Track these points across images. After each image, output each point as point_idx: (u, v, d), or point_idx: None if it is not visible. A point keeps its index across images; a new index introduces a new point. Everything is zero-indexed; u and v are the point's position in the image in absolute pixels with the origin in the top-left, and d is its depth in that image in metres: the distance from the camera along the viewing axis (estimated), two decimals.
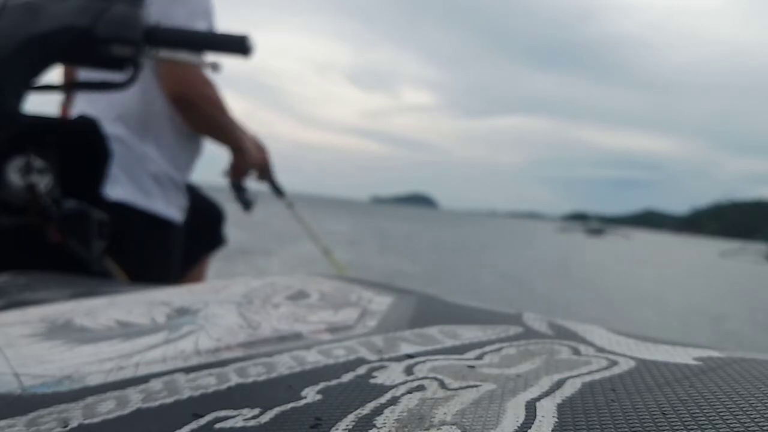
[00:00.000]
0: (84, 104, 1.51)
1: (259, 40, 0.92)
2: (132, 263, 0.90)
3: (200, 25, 1.43)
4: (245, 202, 1.83)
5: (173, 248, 1.59)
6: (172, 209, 1.55)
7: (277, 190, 2.03)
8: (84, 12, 0.73)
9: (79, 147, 0.79)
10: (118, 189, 1.43)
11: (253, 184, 1.90)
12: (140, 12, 0.76)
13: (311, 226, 2.30)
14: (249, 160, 1.71)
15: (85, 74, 1.31)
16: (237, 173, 1.76)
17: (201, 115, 1.53)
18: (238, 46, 0.90)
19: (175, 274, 1.60)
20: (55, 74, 0.84)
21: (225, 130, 1.61)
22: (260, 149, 1.79)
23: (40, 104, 0.81)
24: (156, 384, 0.25)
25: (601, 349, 0.26)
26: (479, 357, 0.26)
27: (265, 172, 1.89)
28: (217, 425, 0.21)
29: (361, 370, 0.25)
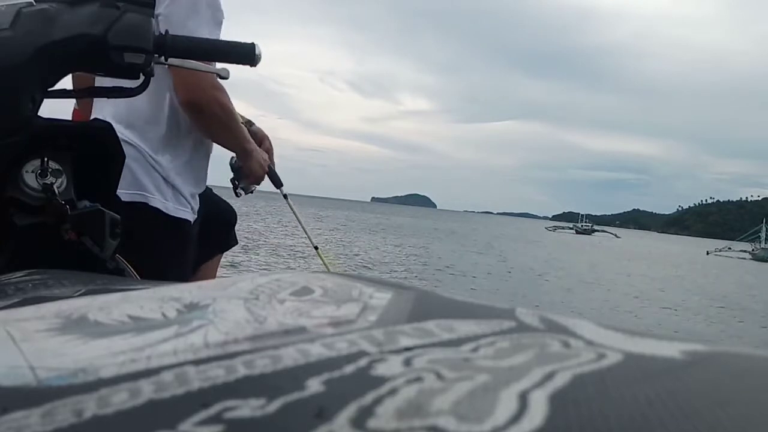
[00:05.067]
0: (97, 110, 1.53)
1: (265, 49, 0.93)
2: (144, 262, 0.92)
3: (212, 35, 1.45)
4: (245, 188, 1.87)
5: (185, 248, 1.60)
6: (184, 210, 1.57)
7: (275, 181, 2.05)
8: (97, 20, 0.74)
9: (94, 150, 0.81)
10: (131, 190, 1.44)
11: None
12: (151, 21, 0.77)
13: (302, 218, 2.34)
14: (255, 166, 1.73)
15: (99, 81, 1.33)
16: (244, 179, 1.79)
17: (213, 120, 1.55)
18: (246, 54, 0.92)
19: (187, 272, 1.61)
20: (68, 81, 0.86)
21: (235, 134, 1.64)
22: (266, 161, 1.81)
23: (55, 110, 0.82)
24: (167, 376, 0.25)
25: (590, 342, 0.27)
26: (474, 350, 0.26)
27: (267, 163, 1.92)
28: (225, 414, 0.22)
29: (362, 362, 0.25)
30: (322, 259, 2.43)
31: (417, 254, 19.84)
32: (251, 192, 1.90)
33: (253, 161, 1.73)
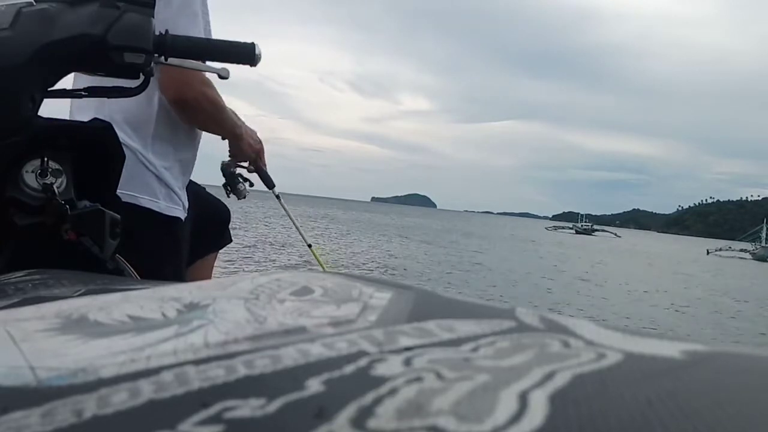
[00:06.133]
0: (80, 110, 1.51)
1: (265, 49, 0.93)
2: (141, 261, 0.92)
3: (200, 31, 1.45)
4: (237, 192, 1.91)
5: (179, 246, 1.60)
6: (176, 208, 1.57)
7: (267, 182, 2.07)
8: (97, 20, 0.74)
9: (94, 150, 0.81)
10: (122, 190, 1.43)
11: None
12: (151, 21, 0.77)
13: (295, 219, 2.37)
14: (245, 146, 1.77)
15: (88, 81, 1.32)
16: (235, 158, 1.82)
17: (203, 115, 1.56)
18: (246, 54, 0.92)
19: (183, 271, 1.61)
20: (68, 80, 0.86)
21: (224, 125, 1.67)
22: (256, 141, 1.85)
23: (55, 110, 0.82)
24: (167, 376, 0.25)
25: (590, 342, 0.27)
26: (474, 349, 0.26)
27: (257, 164, 1.95)
28: (225, 414, 0.22)
29: (362, 362, 0.25)
30: (316, 257, 2.47)
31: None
32: (244, 197, 1.94)
33: (243, 142, 1.78)
